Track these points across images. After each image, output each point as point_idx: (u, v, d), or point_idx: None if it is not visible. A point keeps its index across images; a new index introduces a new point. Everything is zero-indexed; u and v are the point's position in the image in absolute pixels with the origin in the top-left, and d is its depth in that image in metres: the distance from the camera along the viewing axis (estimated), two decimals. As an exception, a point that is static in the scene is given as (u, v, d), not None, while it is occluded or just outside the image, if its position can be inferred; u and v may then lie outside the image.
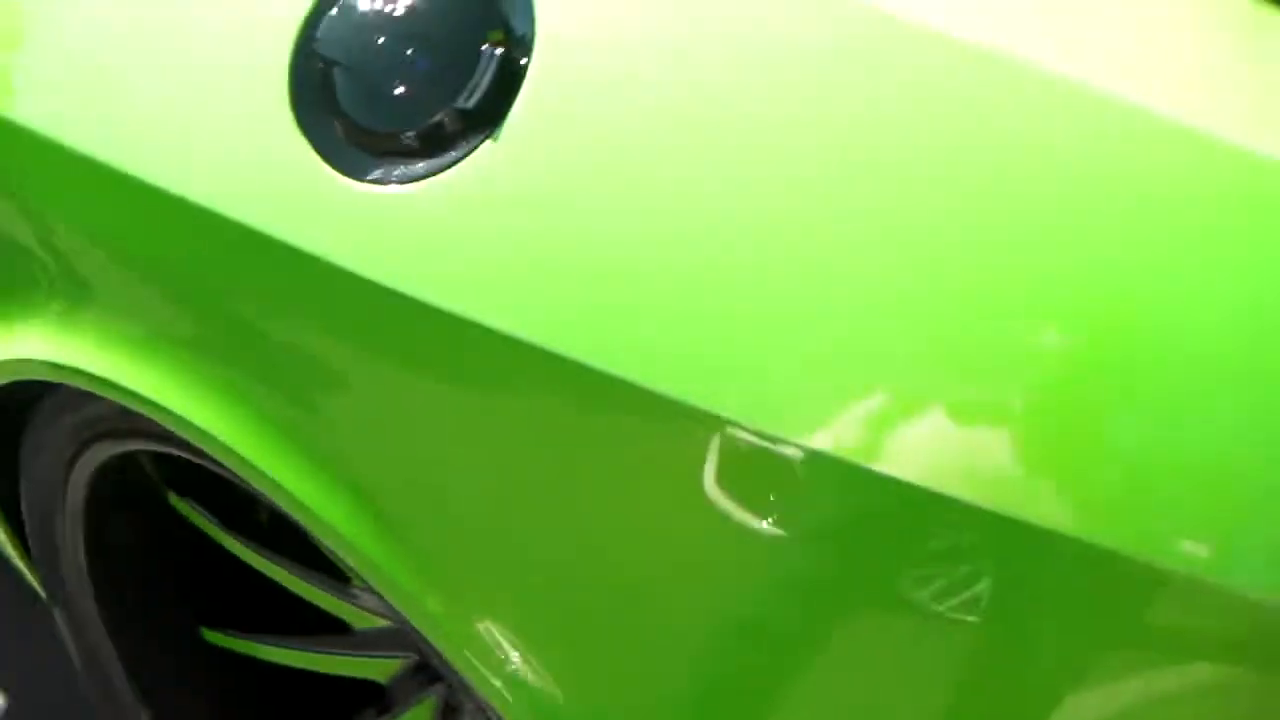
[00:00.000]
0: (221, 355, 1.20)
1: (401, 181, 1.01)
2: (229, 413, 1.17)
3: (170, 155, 1.14)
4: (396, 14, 1.04)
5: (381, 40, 1.04)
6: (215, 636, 1.67)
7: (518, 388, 1.04)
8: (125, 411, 1.30)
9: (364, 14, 1.05)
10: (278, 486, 1.18)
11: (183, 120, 1.14)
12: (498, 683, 1.17)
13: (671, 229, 0.96)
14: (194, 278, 1.18)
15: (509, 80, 1.00)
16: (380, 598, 1.38)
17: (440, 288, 1.00)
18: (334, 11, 1.05)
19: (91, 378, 1.26)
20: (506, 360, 1.01)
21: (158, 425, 1.27)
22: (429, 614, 1.18)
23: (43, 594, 1.75)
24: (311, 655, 1.65)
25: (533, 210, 0.99)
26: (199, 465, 1.37)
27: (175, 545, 1.64)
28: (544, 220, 0.99)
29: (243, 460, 1.19)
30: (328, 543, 1.21)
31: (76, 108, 1.26)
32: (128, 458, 1.50)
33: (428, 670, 1.56)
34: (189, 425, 1.20)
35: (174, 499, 1.55)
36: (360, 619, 1.57)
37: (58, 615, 1.70)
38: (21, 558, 1.77)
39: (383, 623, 1.53)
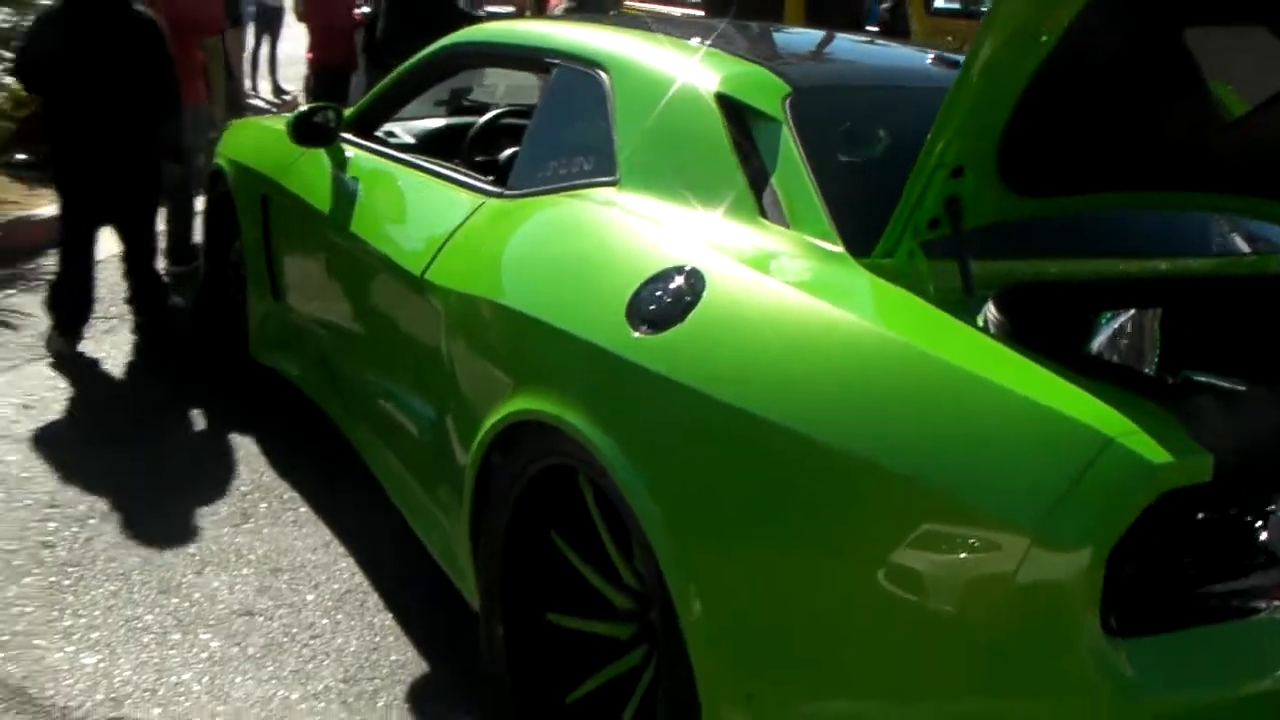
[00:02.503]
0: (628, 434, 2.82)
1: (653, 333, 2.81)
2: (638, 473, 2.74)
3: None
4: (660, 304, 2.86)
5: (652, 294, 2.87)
6: (554, 617, 3.30)
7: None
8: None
9: (652, 291, 2.89)
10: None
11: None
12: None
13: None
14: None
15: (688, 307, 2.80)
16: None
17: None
18: (649, 285, 2.91)
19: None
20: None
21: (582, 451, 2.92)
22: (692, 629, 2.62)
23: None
24: (592, 623, 3.21)
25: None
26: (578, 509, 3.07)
27: (548, 560, 3.30)
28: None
29: (629, 501, 2.75)
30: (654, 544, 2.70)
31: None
32: (541, 503, 3.23)
33: (648, 638, 3.04)
34: (607, 460, 2.80)
35: (553, 533, 3.27)
36: (623, 603, 3.09)
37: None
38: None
39: (632, 606, 3.11)
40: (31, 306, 6.82)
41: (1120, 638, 2.13)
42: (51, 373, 5.95)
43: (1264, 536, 2.33)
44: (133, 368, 6.17)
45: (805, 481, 2.48)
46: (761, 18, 5.84)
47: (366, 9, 10.73)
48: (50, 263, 7.55)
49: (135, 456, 5.09)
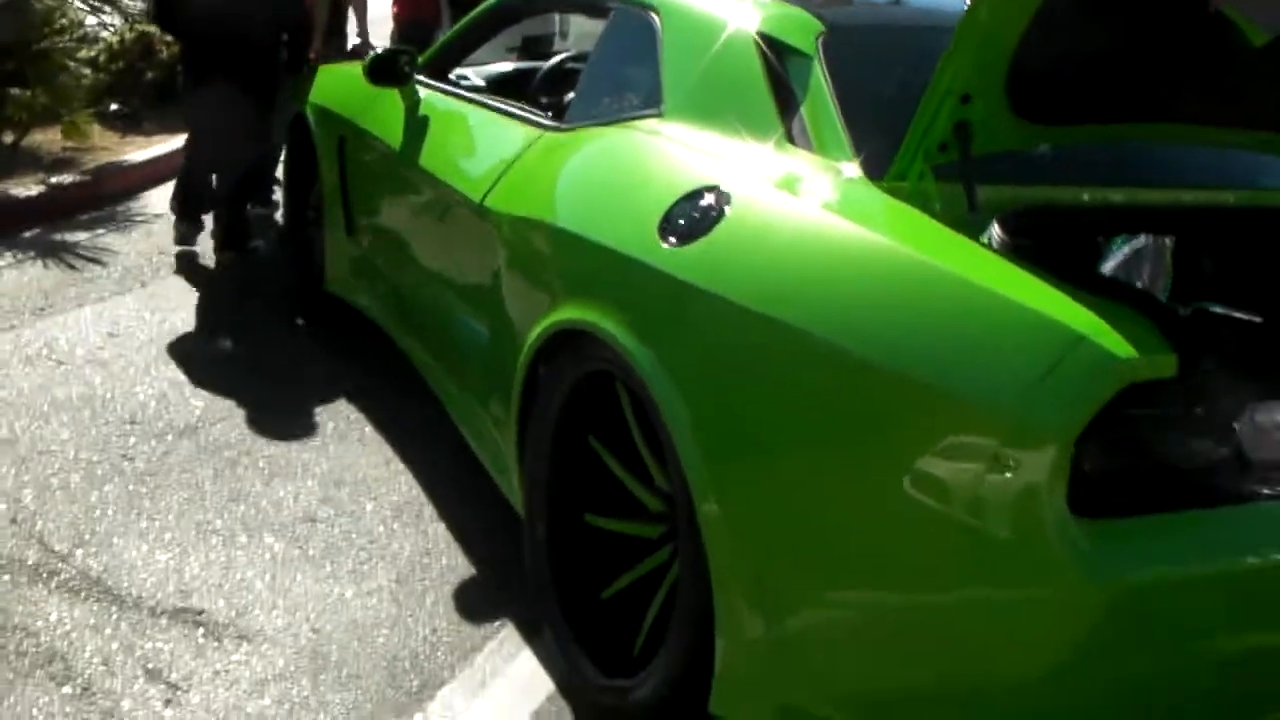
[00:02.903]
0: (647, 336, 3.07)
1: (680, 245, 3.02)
2: (665, 374, 2.96)
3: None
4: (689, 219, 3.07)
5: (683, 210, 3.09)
6: (592, 518, 3.53)
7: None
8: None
9: (683, 208, 3.10)
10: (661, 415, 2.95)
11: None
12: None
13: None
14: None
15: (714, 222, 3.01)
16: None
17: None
18: (680, 203, 3.11)
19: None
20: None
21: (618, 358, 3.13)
22: (709, 520, 2.82)
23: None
24: (625, 523, 3.42)
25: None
26: (616, 415, 3.27)
27: (587, 464, 3.50)
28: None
29: (657, 400, 2.95)
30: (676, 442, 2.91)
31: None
32: (582, 409, 3.44)
33: (675, 537, 3.26)
34: (637, 363, 3.02)
35: (592, 438, 3.49)
36: (654, 505, 3.33)
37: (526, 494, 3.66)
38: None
39: (662, 508, 3.32)
40: (120, 245, 7.17)
41: (1088, 519, 2.32)
42: (136, 305, 6.24)
43: (1236, 435, 2.52)
44: (212, 302, 6.43)
45: (807, 377, 2.68)
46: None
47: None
48: (139, 204, 7.97)
49: (211, 381, 5.35)
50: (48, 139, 9.01)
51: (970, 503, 2.38)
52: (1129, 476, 2.42)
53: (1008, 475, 2.32)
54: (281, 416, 5.05)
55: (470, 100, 4.91)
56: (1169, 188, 3.43)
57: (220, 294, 6.54)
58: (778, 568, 2.76)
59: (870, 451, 2.58)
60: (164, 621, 3.63)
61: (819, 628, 2.73)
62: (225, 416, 5.00)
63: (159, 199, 8.17)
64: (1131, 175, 3.44)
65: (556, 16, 7.86)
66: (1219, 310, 3.21)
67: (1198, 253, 3.39)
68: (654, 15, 3.97)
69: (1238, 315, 3.16)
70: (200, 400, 5.14)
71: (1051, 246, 2.91)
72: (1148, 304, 2.59)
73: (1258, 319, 3.16)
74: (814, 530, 2.69)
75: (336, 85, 6.09)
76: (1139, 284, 3.17)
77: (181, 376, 5.38)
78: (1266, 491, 2.50)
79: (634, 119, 3.77)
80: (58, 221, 7.55)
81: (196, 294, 6.50)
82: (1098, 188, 3.32)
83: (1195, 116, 3.28)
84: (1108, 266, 3.25)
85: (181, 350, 5.70)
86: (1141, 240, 3.30)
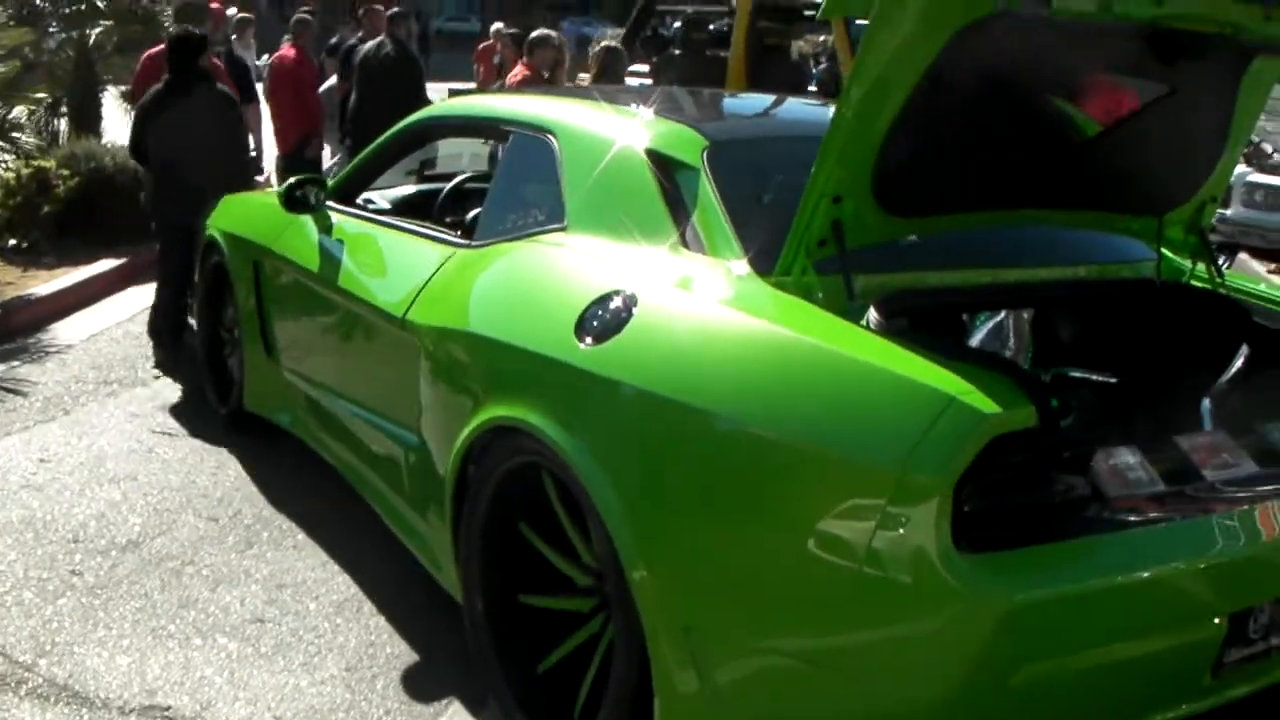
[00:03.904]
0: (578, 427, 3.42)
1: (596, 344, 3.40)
2: (591, 459, 3.34)
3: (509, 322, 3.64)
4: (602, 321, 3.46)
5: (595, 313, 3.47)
6: (526, 598, 3.87)
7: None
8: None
9: (595, 311, 3.49)
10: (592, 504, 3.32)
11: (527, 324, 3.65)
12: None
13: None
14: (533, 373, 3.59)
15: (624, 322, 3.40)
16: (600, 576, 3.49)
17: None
18: (592, 306, 3.50)
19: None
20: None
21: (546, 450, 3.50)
22: (640, 585, 3.19)
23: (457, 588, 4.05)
24: (557, 600, 3.78)
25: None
26: (542, 502, 3.65)
27: (518, 549, 3.86)
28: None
29: (584, 484, 3.32)
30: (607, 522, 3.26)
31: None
32: (510, 499, 3.80)
33: (605, 608, 3.62)
34: (564, 451, 3.39)
35: (522, 525, 3.84)
36: (583, 580, 3.69)
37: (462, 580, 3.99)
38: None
39: (591, 582, 3.68)
40: (37, 376, 7.42)
41: (973, 553, 2.72)
42: (63, 432, 6.51)
43: (1092, 475, 2.97)
44: (137, 424, 6.70)
45: (718, 453, 3.08)
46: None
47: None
48: (49, 336, 8.24)
49: (145, 499, 5.66)
50: (-51, 276, 9.24)
51: (870, 552, 2.77)
52: (1005, 515, 2.83)
53: (899, 524, 2.72)
54: (218, 529, 5.35)
55: (381, 223, 5.30)
56: (1026, 267, 3.89)
57: (144, 416, 6.82)
58: (706, 626, 3.12)
59: (779, 516, 2.98)
60: (134, 718, 3.92)
61: (748, 678, 3.10)
62: (164, 530, 5.30)
63: (67, 331, 8.49)
64: (993, 258, 3.89)
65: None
66: (1076, 374, 3.67)
67: (1054, 323, 3.85)
68: (551, 138, 4.38)
69: (1093, 377, 3.62)
70: (138, 517, 5.43)
71: (923, 324, 3.34)
72: (1009, 368, 3.00)
73: (1109, 378, 3.63)
74: (736, 589, 3.07)
75: (245, 212, 6.45)
76: (1005, 353, 3.61)
77: (117, 496, 5.67)
78: (1119, 520, 2.95)
79: (540, 233, 4.17)
80: (-30, 357, 7.81)
81: (117, 418, 6.78)
82: (963, 270, 3.76)
83: (1041, 202, 3.75)
84: (975, 339, 3.70)
85: (113, 471, 5.99)
86: (1003, 315, 3.75)
